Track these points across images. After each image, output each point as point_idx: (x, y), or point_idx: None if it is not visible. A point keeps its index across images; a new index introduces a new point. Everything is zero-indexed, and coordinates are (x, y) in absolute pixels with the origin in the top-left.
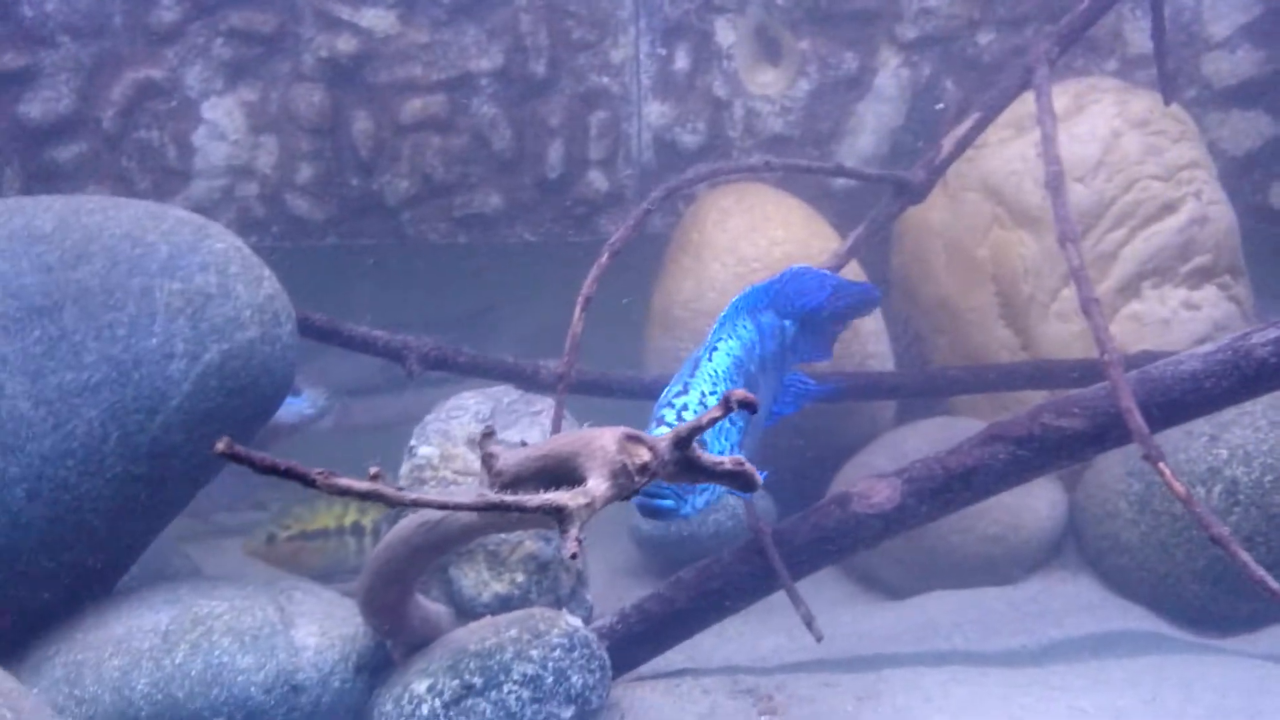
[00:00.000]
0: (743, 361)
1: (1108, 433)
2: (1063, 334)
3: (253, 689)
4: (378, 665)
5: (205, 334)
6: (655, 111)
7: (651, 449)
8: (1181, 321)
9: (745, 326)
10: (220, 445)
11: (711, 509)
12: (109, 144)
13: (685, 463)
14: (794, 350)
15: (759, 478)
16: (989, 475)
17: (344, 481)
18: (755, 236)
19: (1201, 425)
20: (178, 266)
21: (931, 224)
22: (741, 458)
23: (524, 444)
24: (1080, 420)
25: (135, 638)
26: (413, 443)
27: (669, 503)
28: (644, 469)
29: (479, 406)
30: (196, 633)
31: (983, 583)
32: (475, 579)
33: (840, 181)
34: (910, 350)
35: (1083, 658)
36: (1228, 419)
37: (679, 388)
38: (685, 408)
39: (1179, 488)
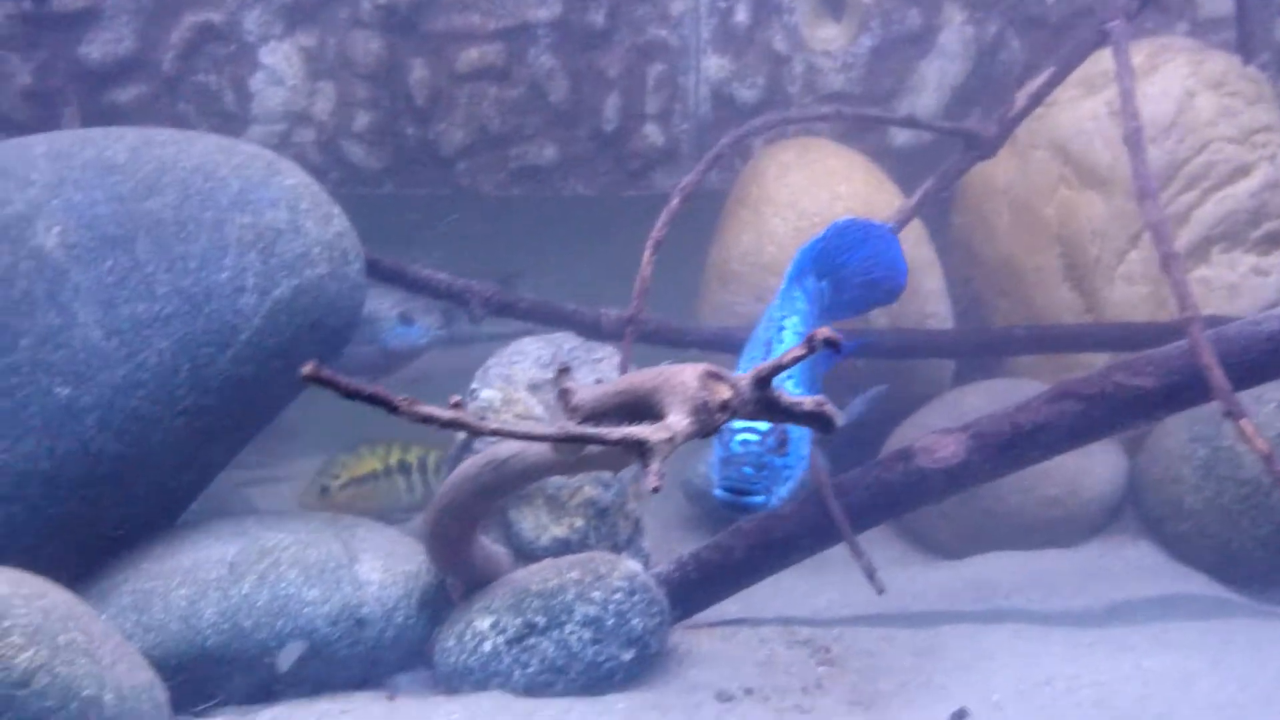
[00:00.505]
0: (804, 336)
1: (1180, 393)
2: (1129, 296)
3: (319, 621)
4: (439, 603)
5: (275, 269)
6: (714, 65)
7: (732, 386)
8: (1251, 287)
9: (799, 297)
10: (306, 369)
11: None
12: (168, 87)
13: (765, 402)
14: (828, 310)
15: (839, 418)
16: (1057, 433)
17: (427, 409)
18: (817, 191)
19: (1271, 390)
20: (249, 201)
21: (996, 183)
22: (822, 398)
23: (599, 382)
24: (1153, 379)
25: (203, 568)
26: (474, 385)
27: (759, 498)
28: (724, 406)
29: (540, 352)
30: (264, 564)
31: (1040, 545)
32: (534, 522)
33: (900, 140)
34: (970, 312)
35: (1146, 620)
36: None
37: None
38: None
39: (1261, 444)
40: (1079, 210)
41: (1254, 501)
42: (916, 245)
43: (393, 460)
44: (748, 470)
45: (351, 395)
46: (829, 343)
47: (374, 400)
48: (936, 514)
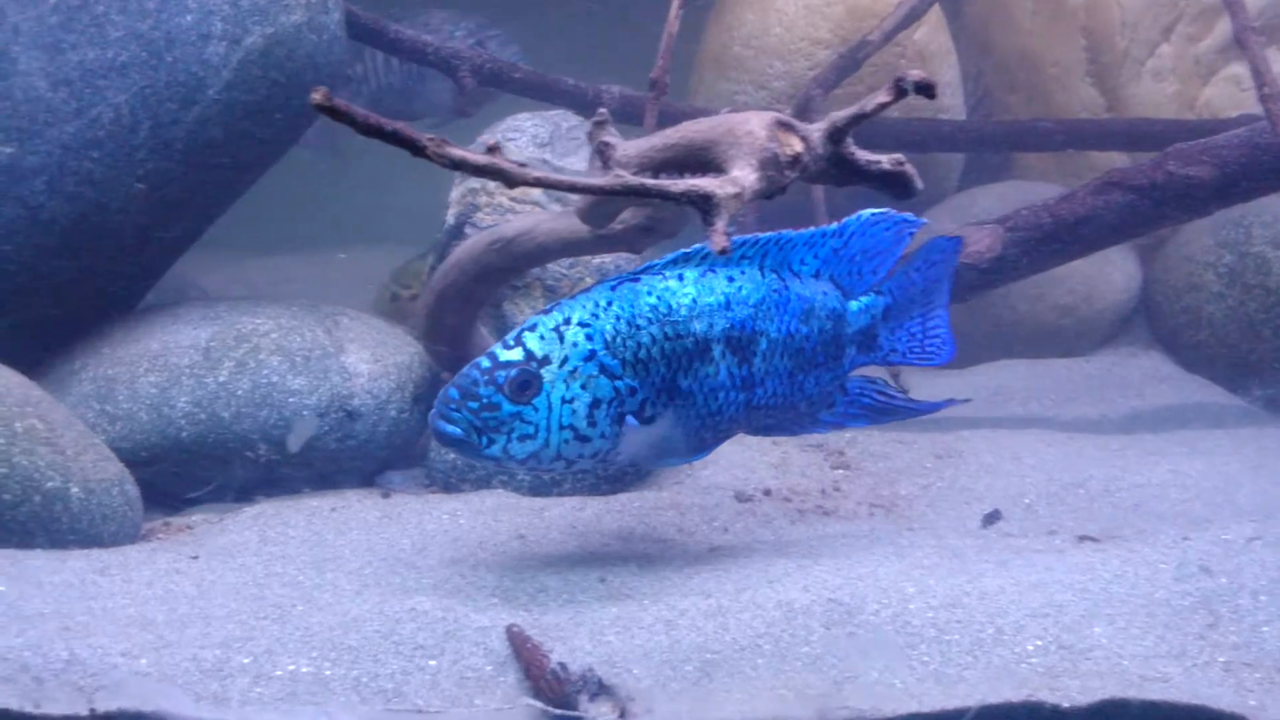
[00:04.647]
0: (681, 326)
1: (1236, 184)
2: (1155, 94)
3: (305, 413)
4: (433, 399)
5: (246, 13)
6: None
7: (804, 139)
8: None
9: (740, 283)
10: (317, 96)
11: (539, 467)
12: None
13: (837, 159)
14: (866, 346)
15: (918, 181)
16: (1100, 226)
17: (457, 151)
18: None
19: None
20: None
21: None
22: (901, 157)
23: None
24: (1209, 169)
25: (173, 353)
26: None
27: (453, 430)
28: (795, 161)
29: (536, 129)
30: (242, 350)
31: (1048, 354)
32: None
33: None
34: (978, 109)
35: (1171, 428)
36: None
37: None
38: (532, 327)
39: None
40: None
41: (1279, 312)
42: (934, 32)
43: None
44: (452, 393)
45: (369, 132)
46: (922, 86)
47: (395, 138)
48: None
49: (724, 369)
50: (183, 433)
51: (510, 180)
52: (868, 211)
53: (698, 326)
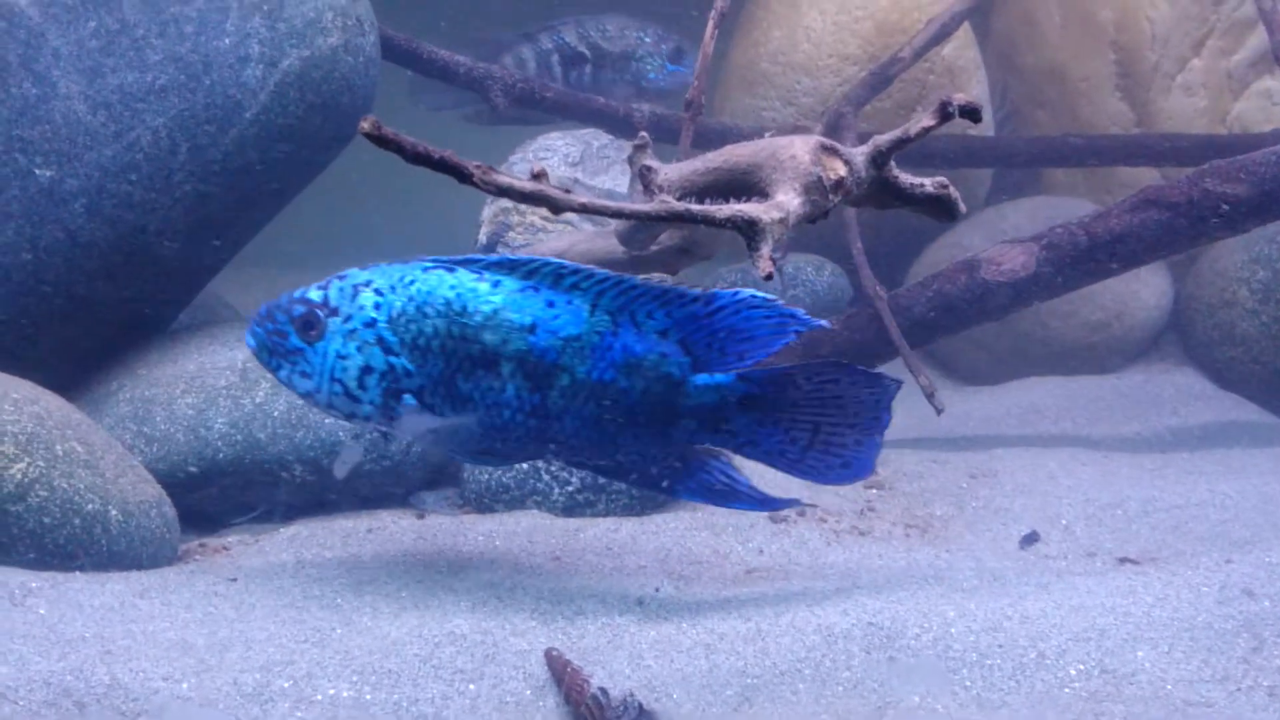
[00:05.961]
0: (470, 330)
1: (1274, 200)
2: (1185, 109)
3: (341, 434)
4: None
5: (283, 36)
6: None
7: (847, 162)
8: None
9: (559, 312)
10: (365, 124)
11: (318, 408)
12: None
13: (881, 183)
14: (712, 427)
15: (962, 205)
16: (1137, 244)
17: (504, 179)
18: None
19: None
20: None
21: None
22: (945, 180)
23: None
24: (1245, 186)
25: (210, 375)
26: None
27: (251, 341)
28: (839, 185)
29: (568, 148)
30: None
31: (1079, 372)
32: None
33: None
34: (1004, 126)
35: (1207, 446)
36: None
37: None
38: (342, 277)
39: None
40: (1140, 11)
41: None
42: (963, 47)
43: None
44: (262, 308)
45: (418, 159)
46: (967, 110)
47: (443, 165)
48: (967, 340)
49: (512, 389)
50: (220, 454)
51: (556, 206)
52: (748, 292)
53: (489, 337)
